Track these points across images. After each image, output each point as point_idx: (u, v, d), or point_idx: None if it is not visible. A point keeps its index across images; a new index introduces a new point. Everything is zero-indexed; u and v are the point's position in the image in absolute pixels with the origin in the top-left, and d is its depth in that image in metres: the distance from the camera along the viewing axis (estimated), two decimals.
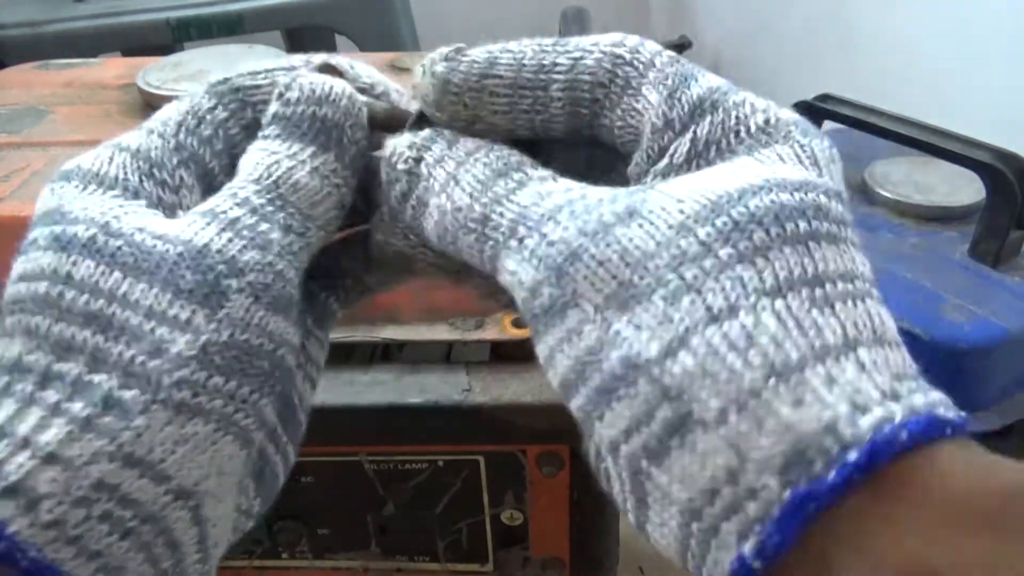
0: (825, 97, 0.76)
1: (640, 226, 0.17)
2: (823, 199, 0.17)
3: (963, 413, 0.16)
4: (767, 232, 0.16)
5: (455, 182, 0.20)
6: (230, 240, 0.20)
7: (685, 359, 0.16)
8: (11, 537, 0.16)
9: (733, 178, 0.17)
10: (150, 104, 0.54)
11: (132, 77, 0.58)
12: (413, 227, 0.22)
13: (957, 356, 0.60)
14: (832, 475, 0.14)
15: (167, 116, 0.23)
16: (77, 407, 0.18)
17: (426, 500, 0.48)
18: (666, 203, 0.17)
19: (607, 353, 0.17)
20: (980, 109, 1.09)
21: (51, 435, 0.17)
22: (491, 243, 0.19)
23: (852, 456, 0.14)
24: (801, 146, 0.19)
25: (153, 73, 0.56)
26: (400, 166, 0.22)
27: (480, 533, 0.49)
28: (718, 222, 0.16)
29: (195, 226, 0.20)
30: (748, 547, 0.15)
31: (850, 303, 0.16)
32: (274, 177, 0.21)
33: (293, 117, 0.22)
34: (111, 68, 0.65)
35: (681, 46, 1.72)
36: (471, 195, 0.20)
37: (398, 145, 0.22)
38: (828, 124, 0.77)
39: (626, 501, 0.18)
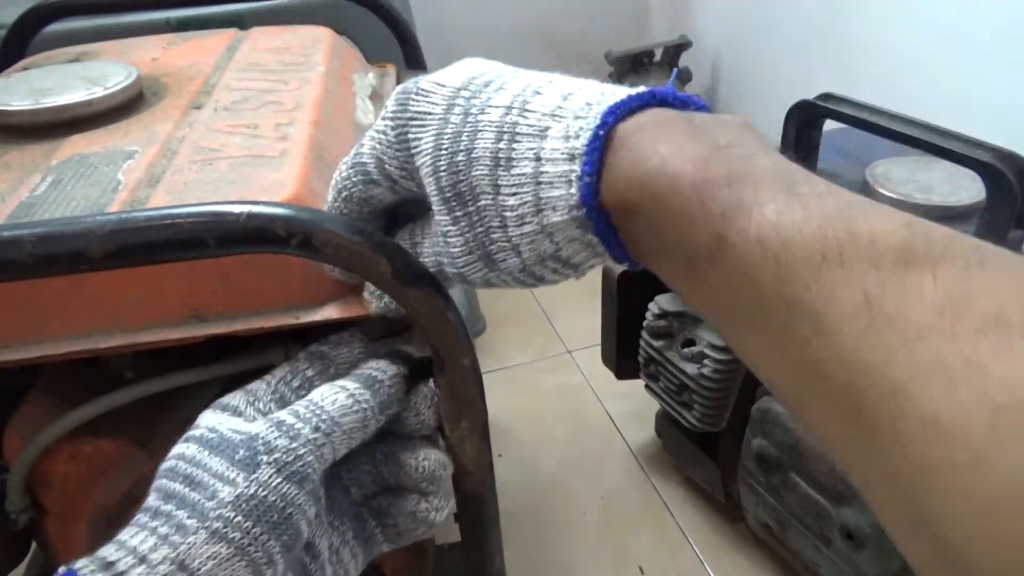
0: (826, 96, 0.76)
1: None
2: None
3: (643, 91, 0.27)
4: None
5: None
6: (270, 431, 0.31)
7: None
8: None
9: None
10: None
11: None
12: None
13: None
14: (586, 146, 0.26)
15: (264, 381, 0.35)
16: (163, 530, 0.28)
17: None
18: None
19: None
20: (980, 109, 1.09)
21: (145, 545, 0.28)
22: None
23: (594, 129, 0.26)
24: None
25: None
26: None
27: None
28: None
29: (256, 425, 0.31)
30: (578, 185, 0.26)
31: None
32: (325, 399, 0.32)
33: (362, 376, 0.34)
34: None
35: (681, 46, 1.72)
36: None
37: None
38: (829, 123, 0.77)
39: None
